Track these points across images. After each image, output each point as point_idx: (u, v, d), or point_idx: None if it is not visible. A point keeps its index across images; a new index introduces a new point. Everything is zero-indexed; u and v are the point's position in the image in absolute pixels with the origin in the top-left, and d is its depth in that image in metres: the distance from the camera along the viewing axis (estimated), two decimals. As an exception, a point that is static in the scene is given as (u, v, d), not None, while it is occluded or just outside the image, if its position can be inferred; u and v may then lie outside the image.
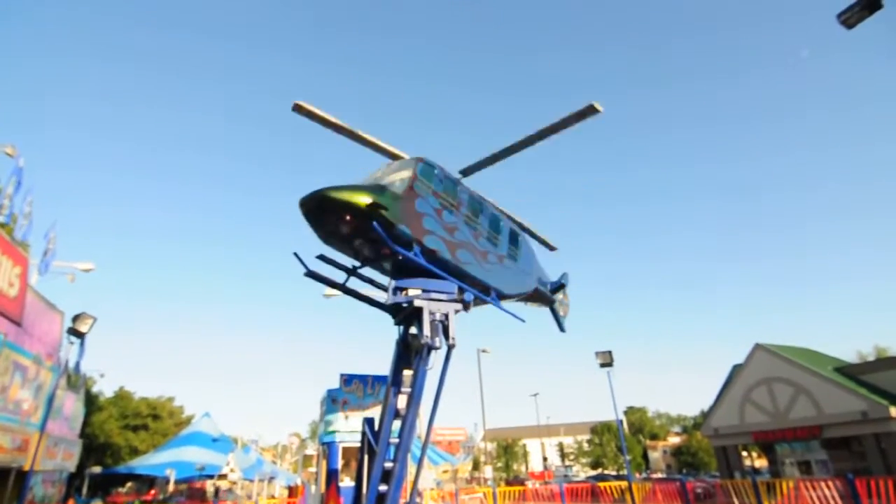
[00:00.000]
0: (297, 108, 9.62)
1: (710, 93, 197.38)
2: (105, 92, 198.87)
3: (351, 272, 10.03)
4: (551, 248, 14.52)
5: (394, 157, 10.48)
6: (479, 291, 10.19)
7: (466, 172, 10.77)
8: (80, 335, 15.64)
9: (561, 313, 15.29)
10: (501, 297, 11.07)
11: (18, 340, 16.18)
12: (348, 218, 8.16)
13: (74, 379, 22.57)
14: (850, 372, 30.26)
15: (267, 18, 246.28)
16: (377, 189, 8.47)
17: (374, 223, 8.04)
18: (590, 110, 9.42)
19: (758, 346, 32.44)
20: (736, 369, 34.80)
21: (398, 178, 9.11)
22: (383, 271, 10.07)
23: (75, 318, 15.52)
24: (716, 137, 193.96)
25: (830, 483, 17.57)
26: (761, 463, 45.12)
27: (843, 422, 26.92)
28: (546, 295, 14.03)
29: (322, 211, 8.24)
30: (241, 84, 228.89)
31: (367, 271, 10.24)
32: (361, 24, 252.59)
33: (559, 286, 15.08)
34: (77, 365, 22.91)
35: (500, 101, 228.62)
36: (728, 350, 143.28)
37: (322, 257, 9.70)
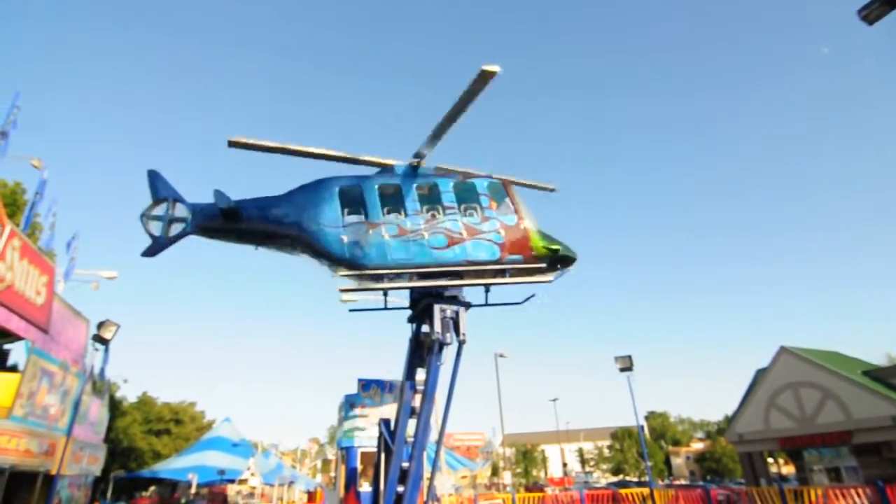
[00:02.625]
0: (233, 144, 9.68)
1: (736, 96, 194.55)
2: (128, 96, 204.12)
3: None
4: (550, 190, 11.73)
5: (347, 160, 10.38)
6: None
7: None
8: (105, 342, 15.98)
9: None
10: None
11: (46, 347, 16.59)
12: None
13: (99, 384, 23.07)
14: (879, 376, 29.36)
15: (267, 18, 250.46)
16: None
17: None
18: (547, 189, 10.86)
19: (783, 350, 31.68)
20: (760, 373, 34.02)
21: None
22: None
23: (100, 326, 15.86)
24: (739, 140, 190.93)
25: (860, 490, 17.04)
26: (788, 470, 43.99)
27: (874, 427, 26.12)
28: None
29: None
30: (265, 88, 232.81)
31: None
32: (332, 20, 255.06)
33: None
34: (102, 371, 23.43)
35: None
36: (751, 354, 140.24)
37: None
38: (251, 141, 9.63)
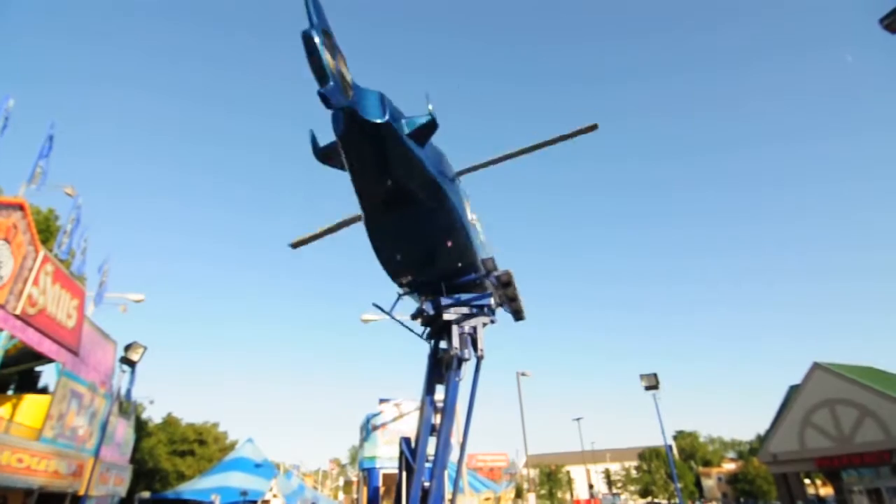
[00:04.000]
0: (296, 245, 11.04)
1: (760, 109, 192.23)
2: (154, 119, 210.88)
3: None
4: (593, 128, 10.03)
5: None
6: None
7: (458, 174, 10.55)
8: (132, 363, 16.28)
9: None
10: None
11: (75, 369, 16.96)
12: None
13: (126, 406, 23.40)
14: (920, 392, 28.09)
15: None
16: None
17: None
18: (590, 128, 9.83)
19: (816, 366, 30.61)
20: (793, 390, 32.87)
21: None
22: (419, 294, 10.28)
23: (127, 348, 16.18)
24: (775, 155, 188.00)
25: (906, 514, 16.22)
26: (826, 491, 42.12)
27: (917, 446, 24.96)
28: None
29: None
30: (293, 119, 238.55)
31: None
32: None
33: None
34: (128, 392, 23.78)
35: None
36: (783, 370, 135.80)
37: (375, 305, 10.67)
38: (307, 237, 10.79)
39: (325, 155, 8.01)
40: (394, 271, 9.40)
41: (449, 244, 9.07)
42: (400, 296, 10.33)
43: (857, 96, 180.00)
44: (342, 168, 7.74)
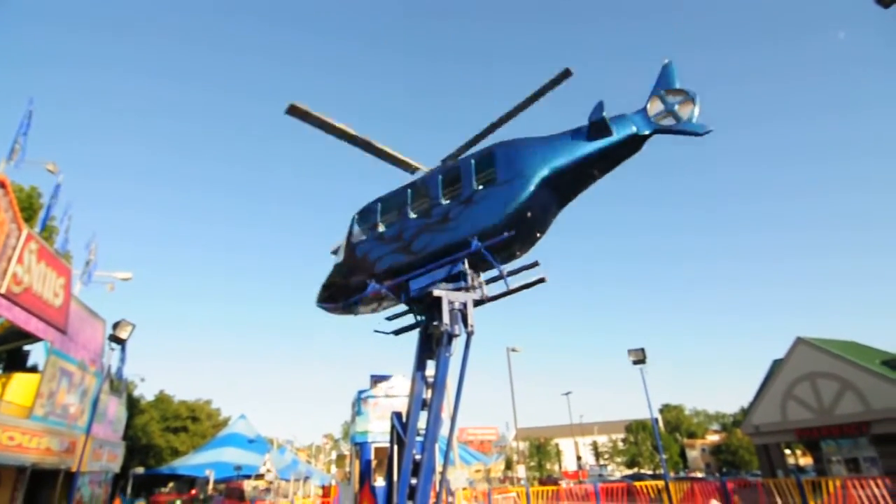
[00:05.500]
0: (292, 111, 9.66)
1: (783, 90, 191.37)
2: (142, 101, 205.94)
3: (412, 311, 10.55)
4: (566, 75, 8.96)
5: (401, 163, 10.78)
6: (458, 252, 9.24)
7: (463, 150, 10.47)
8: (121, 341, 16.22)
9: (677, 118, 8.59)
10: (486, 236, 8.93)
11: (64, 348, 16.88)
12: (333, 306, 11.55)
13: (117, 383, 23.44)
14: (899, 365, 28.87)
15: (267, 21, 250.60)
16: (331, 272, 11.41)
17: (318, 305, 11.86)
18: (563, 75, 8.81)
19: (799, 340, 31.26)
20: (776, 364, 33.61)
21: (340, 247, 11.32)
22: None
23: (116, 326, 16.09)
24: (754, 138, 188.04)
25: (880, 481, 16.80)
26: (806, 461, 43.51)
27: (893, 417, 25.70)
28: (584, 159, 8.80)
29: (327, 310, 11.83)
30: (272, 95, 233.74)
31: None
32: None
33: (597, 125, 8.75)
34: (119, 370, 23.81)
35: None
36: (767, 345, 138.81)
37: (391, 318, 10.85)
38: (310, 111, 9.64)
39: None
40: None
41: None
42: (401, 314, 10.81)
43: (851, 75, 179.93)
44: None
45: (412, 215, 10.13)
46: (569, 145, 8.92)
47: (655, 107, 8.71)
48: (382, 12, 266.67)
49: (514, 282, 9.25)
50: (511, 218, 8.75)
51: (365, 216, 10.92)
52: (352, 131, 10.06)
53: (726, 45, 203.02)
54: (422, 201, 10.16)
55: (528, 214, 8.80)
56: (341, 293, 11.18)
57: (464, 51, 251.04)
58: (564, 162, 8.81)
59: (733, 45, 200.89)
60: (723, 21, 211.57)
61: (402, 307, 10.51)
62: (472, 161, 9.63)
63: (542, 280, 9.18)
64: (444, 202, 9.70)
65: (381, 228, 10.52)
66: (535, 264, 9.21)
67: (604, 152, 8.73)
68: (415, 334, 10.09)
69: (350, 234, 10.87)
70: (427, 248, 9.67)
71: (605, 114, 8.68)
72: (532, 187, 8.72)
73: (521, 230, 8.86)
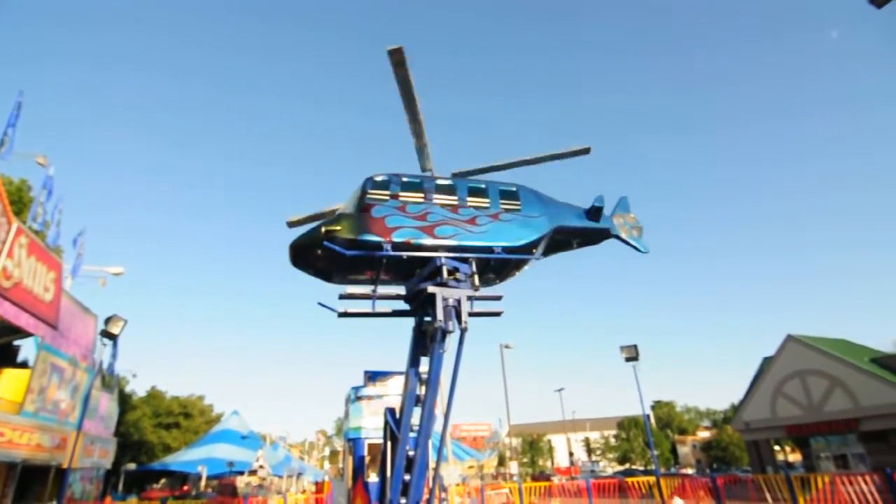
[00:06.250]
0: (293, 224, 11.03)
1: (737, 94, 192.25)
2: (135, 98, 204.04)
3: (375, 297, 10.36)
4: (585, 152, 11.83)
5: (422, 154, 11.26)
6: (481, 253, 10.30)
7: (457, 176, 11.25)
8: (113, 337, 16.04)
9: (629, 235, 12.50)
10: (509, 250, 10.53)
11: (55, 343, 16.74)
12: (320, 253, 9.65)
13: (108, 379, 23.28)
14: (887, 363, 29.22)
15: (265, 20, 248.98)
16: (332, 219, 10.05)
17: (325, 242, 9.48)
18: (582, 151, 10.79)
19: (790, 338, 31.59)
20: (767, 362, 33.95)
21: (350, 201, 10.52)
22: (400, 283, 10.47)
23: (107, 321, 15.89)
24: (741, 137, 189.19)
25: (868, 477, 16.97)
26: (795, 457, 44.02)
27: (881, 414, 26.07)
28: (578, 228, 11.77)
29: (302, 258, 9.98)
30: (268, 89, 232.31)
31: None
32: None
33: (596, 209, 12.04)
34: (111, 366, 23.66)
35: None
36: (758, 342, 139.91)
37: (345, 295, 10.21)
38: (303, 217, 10.89)
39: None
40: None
41: None
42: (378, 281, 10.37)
43: (845, 72, 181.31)
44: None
45: (438, 204, 10.46)
46: (576, 214, 11.79)
47: (619, 221, 12.36)
48: (385, 9, 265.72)
49: (478, 306, 10.41)
50: (531, 244, 10.62)
51: (383, 184, 10.62)
52: (419, 110, 10.34)
53: (724, 43, 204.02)
54: (447, 197, 10.64)
55: (534, 249, 10.72)
56: (338, 245, 9.82)
57: (468, 47, 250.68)
58: (570, 224, 11.50)
59: (729, 43, 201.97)
60: (720, 19, 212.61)
61: (365, 289, 10.40)
62: (499, 188, 11.19)
63: (498, 313, 10.68)
64: (470, 208, 10.64)
65: (404, 201, 10.40)
66: (499, 297, 10.60)
67: (590, 231, 11.81)
68: (408, 329, 10.11)
69: (365, 191, 10.36)
70: (453, 238, 10.07)
71: (603, 204, 11.90)
72: (549, 228, 10.99)
73: (523, 260, 10.76)
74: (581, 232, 11.81)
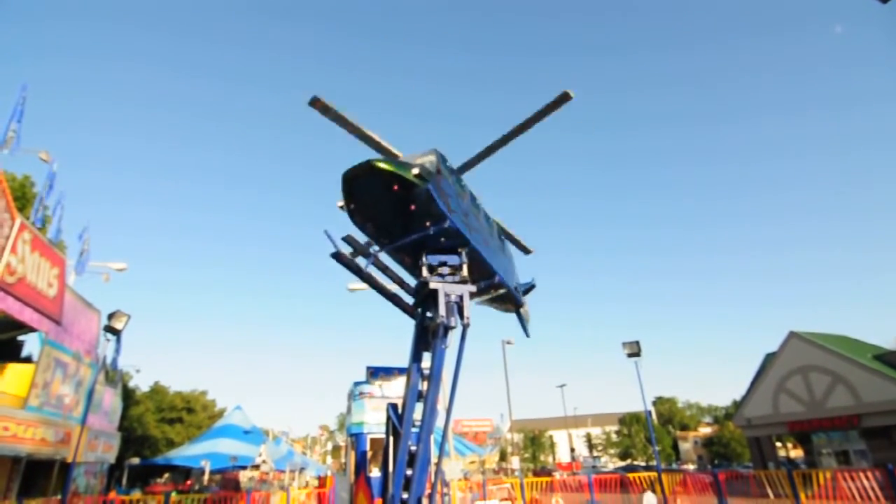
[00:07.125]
0: (314, 103, 9.31)
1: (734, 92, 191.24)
2: (130, 92, 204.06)
3: (372, 255, 9.76)
4: (527, 251, 13.90)
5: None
6: (491, 276, 10.59)
7: (460, 171, 10.72)
8: (116, 332, 16.10)
9: (526, 318, 14.32)
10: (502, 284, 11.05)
11: (59, 338, 16.82)
12: (395, 188, 8.34)
13: (112, 374, 23.41)
14: (889, 359, 29.15)
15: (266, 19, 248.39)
16: (419, 166, 8.67)
17: (429, 186, 8.40)
18: (563, 98, 9.51)
19: (792, 334, 31.54)
20: (769, 358, 33.93)
21: (427, 160, 9.12)
22: (400, 259, 10.20)
23: (111, 316, 15.95)
24: (744, 132, 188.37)
25: (870, 474, 17.00)
26: (797, 453, 44.01)
27: (883, 410, 26.04)
28: (514, 296, 12.68)
29: (367, 180, 8.39)
30: (263, 85, 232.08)
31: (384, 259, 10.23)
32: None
33: (530, 288, 14.34)
34: (114, 361, 23.77)
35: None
36: (760, 338, 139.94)
37: (348, 239, 9.64)
38: (332, 106, 9.06)
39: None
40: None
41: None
42: (373, 253, 9.91)
43: (848, 69, 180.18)
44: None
45: (472, 211, 10.41)
46: (522, 284, 13.58)
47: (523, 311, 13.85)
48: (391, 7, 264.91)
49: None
50: (514, 287, 11.89)
51: (448, 165, 9.97)
52: (369, 132, 9.64)
53: (723, 40, 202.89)
54: (475, 208, 10.69)
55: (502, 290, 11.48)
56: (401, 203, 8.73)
57: (470, 44, 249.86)
58: (516, 289, 12.67)
59: (729, 39, 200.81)
60: (718, 16, 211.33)
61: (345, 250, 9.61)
62: (496, 227, 11.91)
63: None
64: (485, 228, 11.02)
65: (457, 191, 9.97)
66: (500, 296, 11.52)
67: (515, 301, 12.85)
68: (410, 323, 10.10)
69: (442, 160, 9.64)
70: (477, 245, 10.01)
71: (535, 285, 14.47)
72: (515, 283, 12.49)
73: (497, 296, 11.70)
74: (512, 299, 12.68)
